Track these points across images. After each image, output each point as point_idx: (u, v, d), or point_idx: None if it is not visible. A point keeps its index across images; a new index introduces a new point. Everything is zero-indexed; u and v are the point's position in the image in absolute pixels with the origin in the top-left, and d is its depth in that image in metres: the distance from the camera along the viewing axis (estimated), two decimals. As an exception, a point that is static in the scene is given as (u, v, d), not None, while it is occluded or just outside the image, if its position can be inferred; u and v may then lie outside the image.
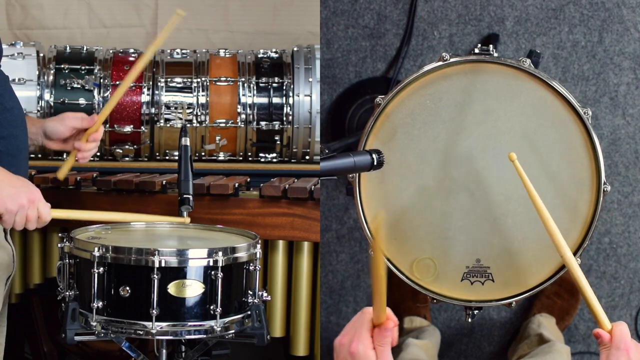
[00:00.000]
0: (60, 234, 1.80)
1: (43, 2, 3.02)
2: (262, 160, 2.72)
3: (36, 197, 1.66)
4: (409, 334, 2.62)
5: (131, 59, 2.70)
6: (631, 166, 2.72)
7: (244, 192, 2.22)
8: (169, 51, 2.75)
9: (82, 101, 2.60)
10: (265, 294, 1.82)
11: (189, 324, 1.69)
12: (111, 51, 2.72)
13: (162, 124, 2.64)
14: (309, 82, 2.67)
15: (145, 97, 2.64)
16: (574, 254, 1.74)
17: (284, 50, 2.78)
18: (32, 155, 2.55)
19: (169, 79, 2.66)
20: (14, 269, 1.82)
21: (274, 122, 2.67)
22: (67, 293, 1.76)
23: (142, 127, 2.63)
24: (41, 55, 2.65)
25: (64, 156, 2.48)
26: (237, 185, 2.19)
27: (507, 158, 1.73)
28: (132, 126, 2.63)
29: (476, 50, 1.76)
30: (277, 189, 2.14)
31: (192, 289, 1.68)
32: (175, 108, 2.64)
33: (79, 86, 2.61)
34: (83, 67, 2.63)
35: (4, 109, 1.75)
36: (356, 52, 2.78)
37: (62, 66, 2.63)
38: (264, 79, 2.69)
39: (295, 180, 2.33)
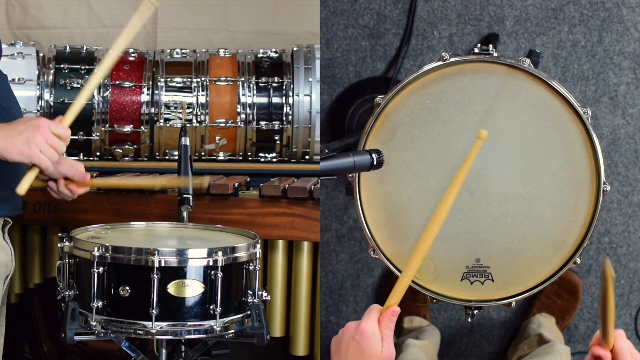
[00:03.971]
0: (60, 234, 1.80)
1: (43, 2, 3.02)
2: (262, 160, 2.71)
3: (44, 126, 1.65)
4: (409, 334, 2.62)
5: (131, 59, 2.70)
6: (631, 166, 2.72)
7: (244, 192, 2.22)
8: (169, 51, 2.75)
9: (82, 101, 2.60)
10: (265, 294, 1.82)
11: (189, 324, 1.69)
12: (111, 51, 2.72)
13: (162, 124, 2.64)
14: (309, 82, 2.67)
15: (145, 97, 2.64)
16: (574, 254, 1.74)
17: (284, 50, 2.78)
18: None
19: (169, 79, 2.66)
20: (13, 268, 1.82)
21: (274, 122, 2.67)
22: (67, 293, 1.76)
23: (142, 127, 2.63)
24: (41, 55, 2.65)
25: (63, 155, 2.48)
26: (237, 185, 2.19)
27: (507, 158, 1.73)
28: (132, 126, 2.63)
29: (476, 50, 1.76)
30: (277, 189, 2.14)
31: (192, 289, 1.69)
32: (175, 108, 2.64)
33: (79, 86, 2.61)
34: (83, 67, 2.63)
35: (1, 109, 1.75)
36: (356, 52, 2.78)
37: (62, 66, 2.63)
38: (264, 79, 2.68)
39: (295, 180, 2.33)
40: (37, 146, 1.63)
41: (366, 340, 1.42)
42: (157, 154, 2.68)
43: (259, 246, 1.80)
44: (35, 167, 1.68)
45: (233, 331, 1.74)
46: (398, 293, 1.49)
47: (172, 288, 1.67)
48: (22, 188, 1.71)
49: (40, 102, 2.59)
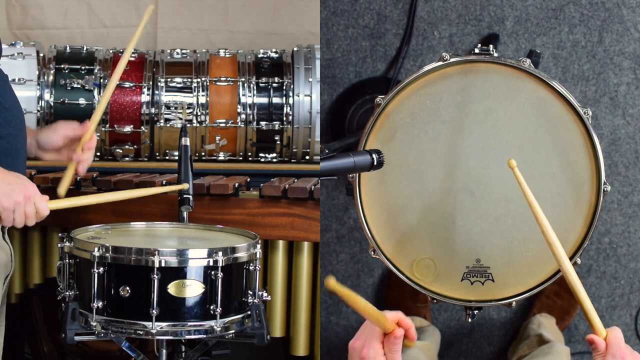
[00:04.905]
0: (60, 234, 1.80)
1: (43, 2, 3.02)
2: (262, 160, 2.71)
3: (32, 192, 1.65)
4: (409, 334, 2.62)
5: (131, 58, 2.69)
6: (631, 166, 2.72)
7: (244, 192, 2.22)
8: (169, 51, 2.75)
9: (82, 101, 2.60)
10: (265, 294, 1.82)
11: (189, 324, 1.69)
12: (111, 51, 2.72)
13: (162, 124, 2.64)
14: (309, 82, 2.67)
15: (145, 97, 2.64)
16: (574, 254, 1.74)
17: (284, 50, 2.78)
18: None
19: (169, 79, 2.66)
20: (12, 268, 1.82)
21: (274, 122, 2.67)
22: (67, 293, 1.76)
23: (142, 127, 2.63)
24: (41, 55, 2.65)
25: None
26: (237, 185, 2.19)
27: (507, 158, 1.72)
28: (132, 126, 2.63)
29: (476, 50, 1.76)
30: (277, 189, 2.14)
31: (192, 289, 1.69)
32: (175, 108, 2.64)
33: (79, 86, 2.61)
34: (83, 67, 2.63)
35: (2, 108, 1.75)
36: (356, 52, 2.78)
37: (62, 66, 2.63)
38: (264, 79, 2.68)
39: (295, 180, 2.33)
40: (14, 204, 1.63)
41: None
42: (157, 154, 2.68)
43: (259, 246, 1.80)
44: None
45: (233, 331, 1.74)
46: (381, 321, 1.38)
47: (172, 288, 1.67)
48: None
49: (40, 102, 2.59)
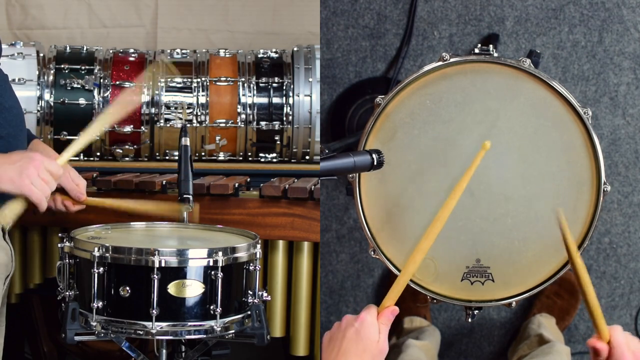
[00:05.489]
0: (60, 234, 1.80)
1: (43, 2, 3.02)
2: (262, 160, 2.71)
3: (38, 160, 1.65)
4: (409, 334, 2.62)
5: (131, 59, 2.69)
6: (631, 166, 2.72)
7: (244, 192, 2.22)
8: (169, 51, 2.75)
9: (82, 101, 2.60)
10: (265, 294, 1.82)
11: (189, 324, 1.69)
12: (111, 51, 2.72)
13: (162, 124, 2.64)
14: (309, 82, 2.67)
15: (145, 97, 2.64)
16: (574, 254, 1.74)
17: (284, 50, 2.78)
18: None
19: (169, 79, 2.66)
20: (13, 268, 1.82)
21: (274, 122, 2.67)
22: (67, 293, 1.76)
23: (142, 127, 2.63)
24: (41, 55, 2.65)
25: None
26: (237, 185, 2.19)
27: (507, 158, 1.73)
28: (132, 126, 2.63)
29: (476, 50, 1.76)
30: (277, 189, 2.14)
31: (192, 289, 1.69)
32: (175, 108, 2.64)
33: (79, 86, 2.61)
34: (83, 67, 2.63)
35: (2, 108, 1.75)
36: (356, 52, 2.78)
37: (62, 66, 2.63)
38: (264, 79, 2.68)
39: (295, 180, 2.33)
40: (29, 177, 1.63)
41: (365, 328, 1.43)
42: (157, 154, 2.68)
43: (259, 246, 1.80)
44: (21, 198, 1.67)
45: (233, 331, 1.74)
46: (394, 294, 1.49)
47: (172, 288, 1.67)
48: (4, 216, 1.69)
49: (40, 102, 2.59)
